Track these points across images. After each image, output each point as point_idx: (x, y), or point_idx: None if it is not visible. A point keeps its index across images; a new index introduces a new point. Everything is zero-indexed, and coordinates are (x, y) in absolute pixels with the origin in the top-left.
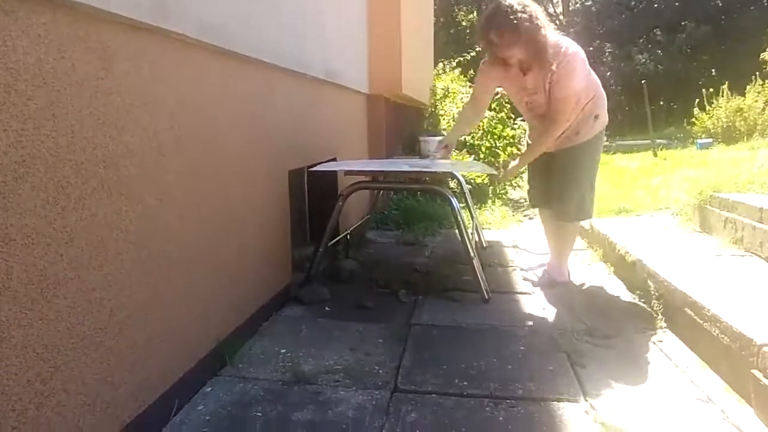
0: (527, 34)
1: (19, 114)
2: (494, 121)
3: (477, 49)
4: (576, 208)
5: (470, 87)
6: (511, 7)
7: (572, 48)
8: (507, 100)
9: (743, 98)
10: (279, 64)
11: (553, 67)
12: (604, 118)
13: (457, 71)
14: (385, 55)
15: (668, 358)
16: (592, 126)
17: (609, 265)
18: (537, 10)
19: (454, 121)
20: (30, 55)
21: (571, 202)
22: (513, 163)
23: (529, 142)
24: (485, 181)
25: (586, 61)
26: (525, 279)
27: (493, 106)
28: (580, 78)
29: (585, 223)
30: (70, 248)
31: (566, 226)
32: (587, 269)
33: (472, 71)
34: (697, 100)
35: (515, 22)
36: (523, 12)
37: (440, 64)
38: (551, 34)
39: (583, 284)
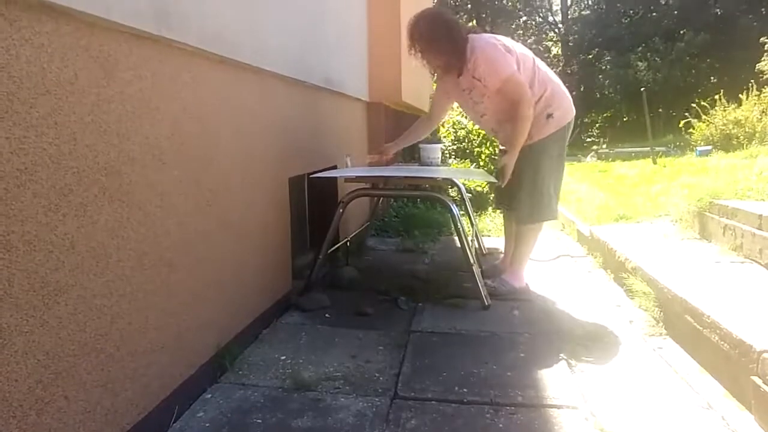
0: (432, 43)
1: (21, 122)
2: None
3: None
4: (530, 211)
5: None
6: (414, 22)
7: (479, 42)
8: None
9: (740, 107)
10: (280, 72)
11: (470, 63)
12: (562, 117)
13: None
14: (385, 63)
15: (668, 364)
16: (544, 125)
17: (609, 272)
18: (440, 15)
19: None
20: (33, 64)
21: (525, 205)
22: (505, 159)
23: (501, 147)
24: (485, 189)
25: (506, 48)
26: (487, 287)
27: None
28: (503, 62)
29: (585, 230)
30: (71, 255)
31: (524, 229)
32: (587, 276)
33: None
34: (685, 109)
35: (418, 35)
36: (426, 22)
37: None
38: (469, 35)
39: (535, 294)
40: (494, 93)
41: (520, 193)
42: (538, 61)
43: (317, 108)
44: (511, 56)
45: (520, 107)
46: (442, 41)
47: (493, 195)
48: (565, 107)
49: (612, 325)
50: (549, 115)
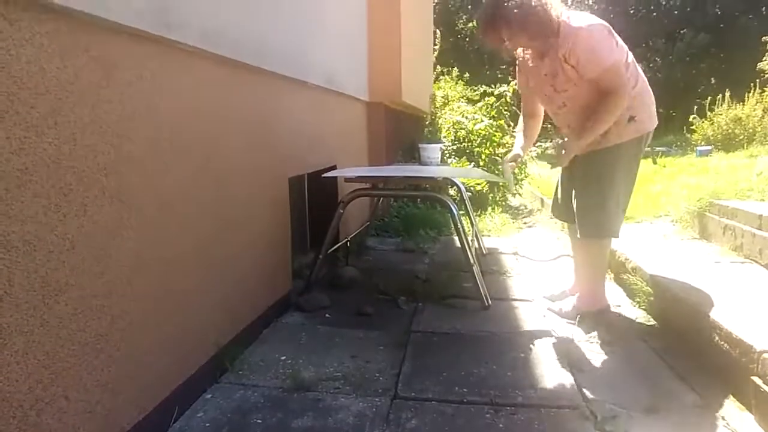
0: (524, 23)
1: (21, 122)
2: (493, 128)
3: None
4: (595, 223)
5: (468, 94)
6: (499, 5)
7: (582, 23)
8: (506, 108)
9: (742, 106)
10: (280, 72)
11: (566, 47)
12: (646, 122)
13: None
14: (385, 63)
15: (668, 364)
16: (624, 128)
17: (609, 272)
18: None
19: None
20: (33, 64)
21: (590, 216)
22: (568, 144)
23: (559, 140)
24: (485, 189)
25: (611, 36)
26: (550, 310)
27: (493, 113)
28: (605, 46)
29: None
30: (71, 255)
31: (590, 244)
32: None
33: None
34: (696, 107)
35: (509, 14)
36: (514, 3)
37: (440, 71)
38: (563, 12)
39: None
40: (584, 82)
41: (585, 203)
42: (628, 53)
43: (318, 108)
44: (614, 42)
45: (613, 97)
46: (533, 23)
47: (552, 204)
48: (649, 113)
49: (612, 325)
50: (631, 118)
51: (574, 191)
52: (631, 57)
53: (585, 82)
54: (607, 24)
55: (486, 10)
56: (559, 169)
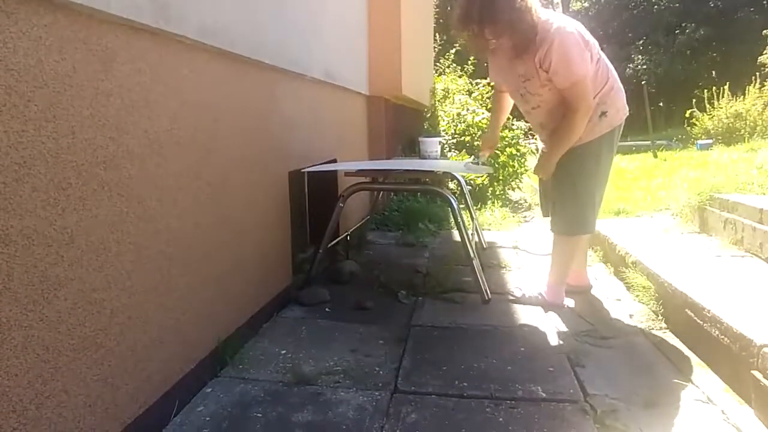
0: (511, 20)
1: (19, 115)
2: None
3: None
4: (567, 220)
5: (469, 86)
6: None
7: (561, 28)
8: None
9: (742, 100)
10: (280, 65)
11: (542, 51)
12: (616, 116)
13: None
14: (385, 57)
15: (668, 358)
16: (597, 124)
17: (609, 266)
18: None
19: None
20: (31, 57)
21: (563, 212)
22: (544, 159)
23: (539, 144)
24: (485, 182)
25: (584, 42)
26: (511, 296)
27: (490, 106)
28: (579, 59)
29: None
30: (70, 249)
31: (559, 239)
32: (587, 270)
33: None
34: (695, 101)
35: (495, 12)
36: None
37: (440, 63)
38: (542, 12)
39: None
40: (556, 88)
41: (558, 200)
42: (598, 48)
43: (317, 102)
44: (587, 53)
45: (575, 116)
46: (509, 16)
47: (539, 202)
48: (619, 106)
49: (612, 319)
50: (603, 113)
51: (553, 188)
52: (597, 50)
53: (557, 88)
54: (579, 28)
55: (469, 6)
56: None
